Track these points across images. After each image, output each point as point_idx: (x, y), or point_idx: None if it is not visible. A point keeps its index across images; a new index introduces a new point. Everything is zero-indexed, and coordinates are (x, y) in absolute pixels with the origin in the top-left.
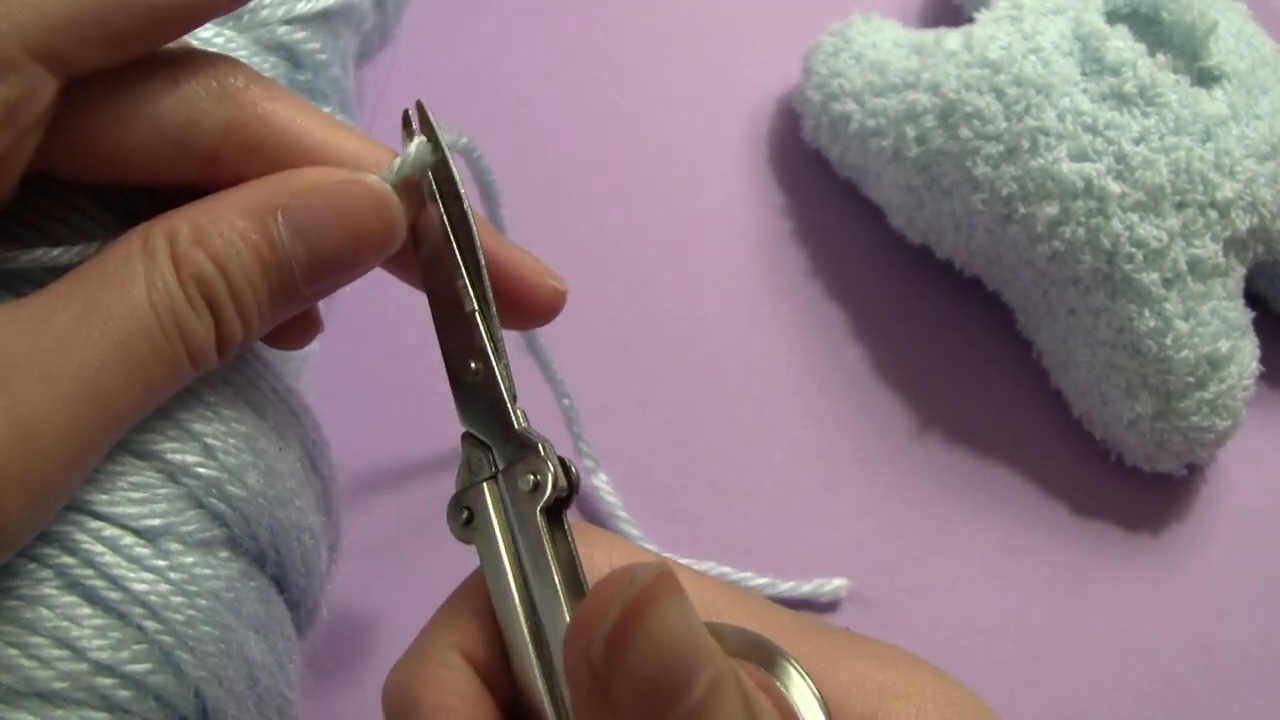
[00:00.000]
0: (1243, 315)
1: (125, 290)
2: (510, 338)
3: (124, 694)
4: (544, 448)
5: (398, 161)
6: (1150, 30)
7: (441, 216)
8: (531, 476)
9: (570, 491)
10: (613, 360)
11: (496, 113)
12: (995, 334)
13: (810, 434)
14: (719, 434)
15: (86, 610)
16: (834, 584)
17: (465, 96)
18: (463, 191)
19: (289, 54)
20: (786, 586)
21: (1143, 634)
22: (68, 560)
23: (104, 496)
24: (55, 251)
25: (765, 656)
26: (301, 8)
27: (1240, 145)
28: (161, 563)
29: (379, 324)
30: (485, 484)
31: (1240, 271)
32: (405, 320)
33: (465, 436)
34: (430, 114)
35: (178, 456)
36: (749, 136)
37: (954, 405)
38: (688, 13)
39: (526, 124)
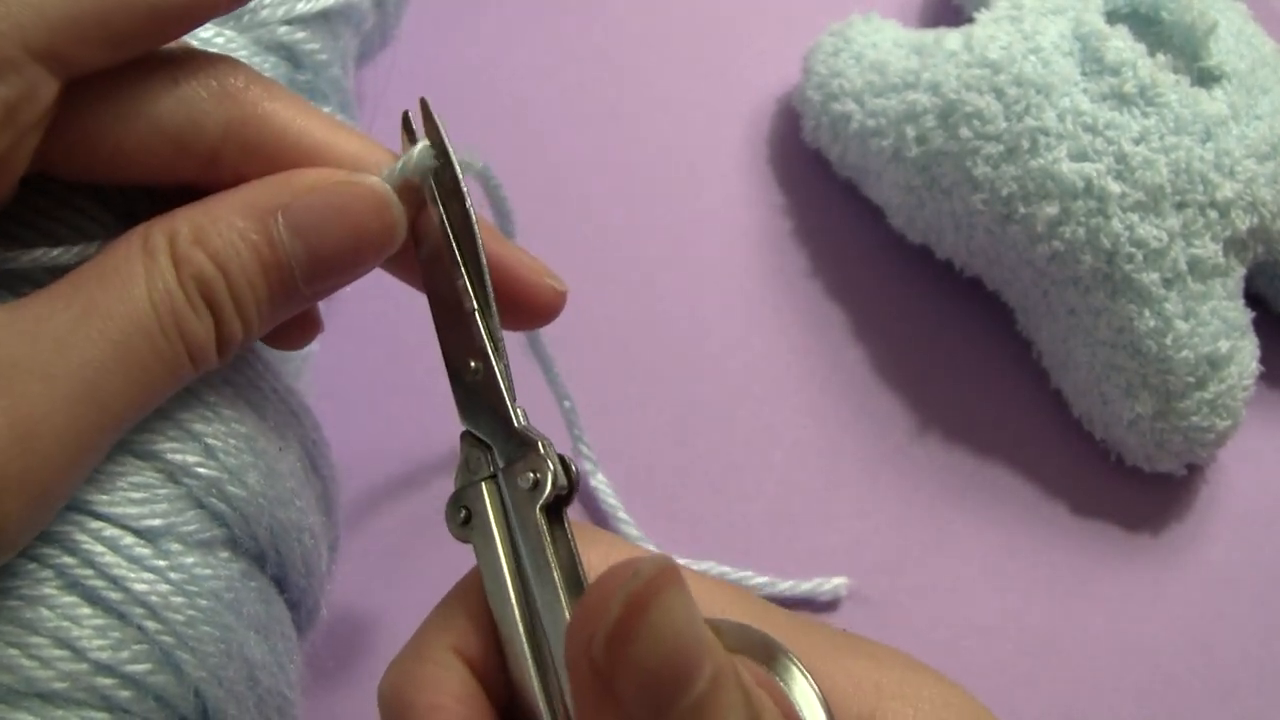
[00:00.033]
0: (1243, 315)
1: (125, 290)
2: (514, 340)
3: (124, 694)
4: (544, 446)
5: (399, 163)
6: (1150, 30)
7: (441, 217)
8: (531, 474)
9: (570, 489)
10: (613, 360)
11: (496, 113)
12: (995, 334)
13: (810, 434)
14: (719, 434)
15: (87, 610)
16: (834, 583)
17: (465, 96)
18: (465, 190)
19: (289, 54)
20: (786, 585)
21: (1143, 634)
22: (68, 560)
23: (104, 497)
24: (55, 252)
25: (766, 653)
26: (301, 8)
27: (1240, 145)
28: (162, 563)
29: (379, 324)
30: (484, 483)
31: (1240, 271)
32: (405, 320)
33: (464, 435)
34: (434, 112)
35: (178, 457)
36: (749, 136)
37: (954, 405)
38: (688, 13)
39: (526, 124)
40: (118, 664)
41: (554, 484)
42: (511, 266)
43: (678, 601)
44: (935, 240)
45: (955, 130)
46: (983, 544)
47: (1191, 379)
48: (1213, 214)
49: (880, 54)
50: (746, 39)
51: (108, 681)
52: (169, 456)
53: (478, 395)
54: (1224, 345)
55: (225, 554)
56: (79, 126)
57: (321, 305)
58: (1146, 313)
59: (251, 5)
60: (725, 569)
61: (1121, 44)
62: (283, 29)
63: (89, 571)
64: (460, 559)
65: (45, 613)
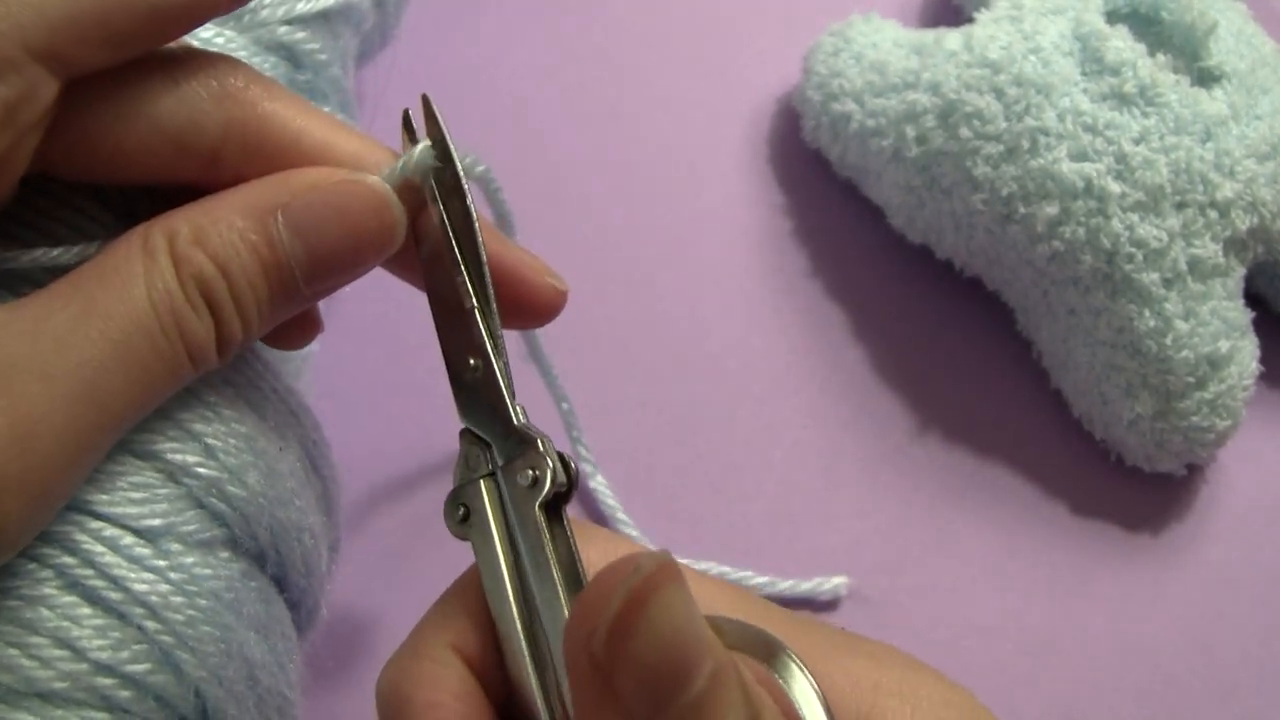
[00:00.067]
0: (1243, 315)
1: (125, 290)
2: (512, 345)
3: (124, 694)
4: (543, 443)
5: (400, 162)
6: (1150, 30)
7: (441, 214)
8: (531, 472)
9: (570, 487)
10: (613, 360)
11: (496, 113)
12: (995, 334)
13: (810, 434)
14: (719, 434)
15: (86, 610)
16: (834, 582)
17: (465, 96)
18: (466, 187)
19: (289, 54)
20: (786, 585)
21: (1143, 634)
22: (68, 560)
23: (104, 496)
24: (55, 252)
25: (766, 651)
26: (301, 8)
27: (1240, 145)
28: (162, 563)
29: (379, 324)
30: (482, 481)
31: (1240, 271)
32: (406, 320)
33: (463, 433)
34: (436, 108)
35: (178, 456)
36: (749, 136)
37: (954, 405)
38: (688, 13)
39: (526, 124)
40: (117, 664)
41: (553, 481)
42: (512, 266)
43: (677, 597)
44: (935, 240)
45: (955, 130)
46: (983, 544)
47: (1191, 379)
48: (1213, 214)
49: (880, 54)
50: (746, 39)
51: (107, 681)
52: (169, 456)
53: (477, 393)
54: (1224, 345)
55: (225, 554)
56: (79, 126)
57: (321, 305)
58: (1146, 313)
59: (251, 5)
60: (725, 569)
61: (1121, 44)
62: (283, 29)
63: (89, 571)
64: (460, 559)
65: (45, 612)
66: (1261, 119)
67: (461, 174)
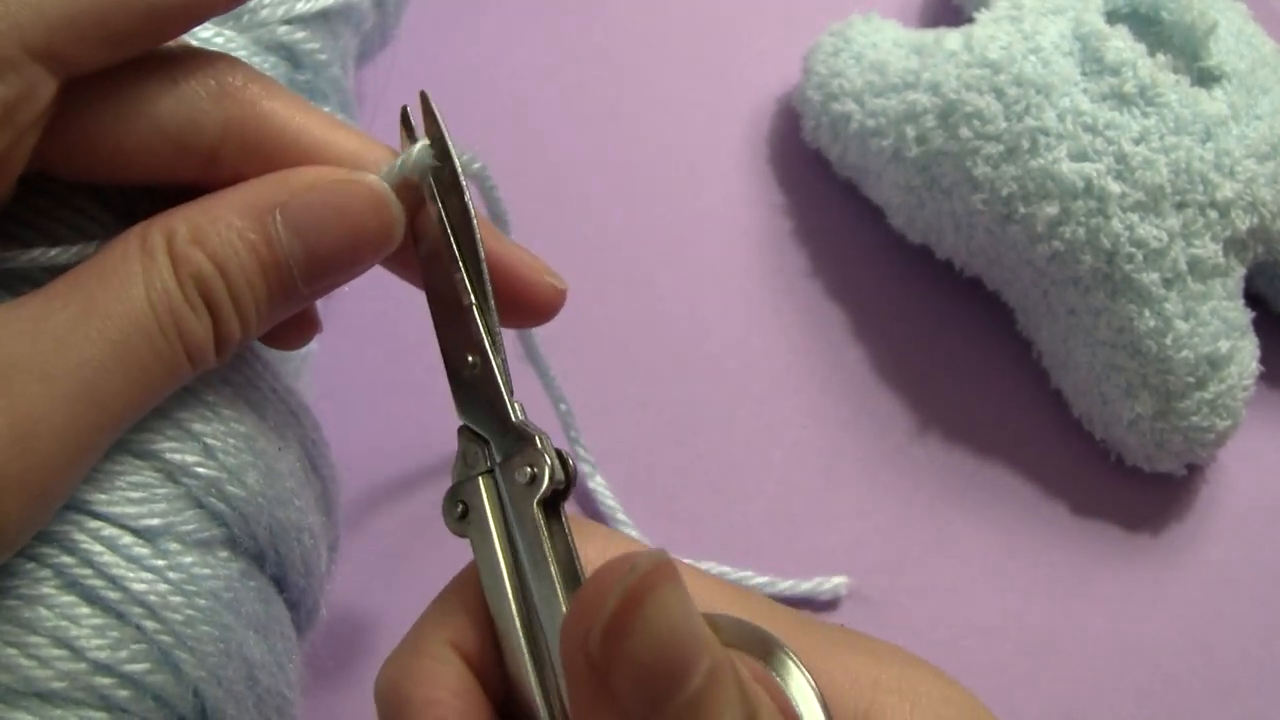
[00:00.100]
0: (1243, 315)
1: (123, 290)
2: (510, 347)
3: (122, 693)
4: (541, 440)
5: (398, 161)
6: (1150, 30)
7: (440, 212)
8: (529, 469)
9: (568, 484)
10: (613, 360)
11: (496, 113)
12: (995, 334)
13: (810, 434)
14: (719, 434)
15: (85, 610)
16: (834, 582)
17: (465, 96)
18: (464, 183)
19: (289, 54)
20: (786, 585)
21: (1143, 634)
22: (66, 560)
23: (103, 496)
24: (54, 251)
25: (763, 649)
26: (301, 7)
27: (1240, 145)
28: (160, 562)
29: (379, 323)
30: (481, 478)
31: (1240, 271)
32: (405, 319)
33: (462, 430)
34: (434, 106)
35: (177, 456)
36: (749, 136)
37: (954, 405)
38: (688, 13)
39: (526, 124)
40: (116, 663)
41: (551, 479)
42: (511, 264)
43: (674, 596)
44: (935, 240)
45: (955, 130)
46: (983, 544)
47: (1191, 379)
48: (1213, 214)
49: (880, 54)
50: (746, 39)
51: (106, 681)
52: (168, 456)
53: (475, 390)
54: (1224, 345)
55: (224, 553)
56: (78, 126)
57: (321, 304)
58: (1146, 313)
59: (251, 4)
60: (725, 569)
61: (1121, 44)
62: (282, 28)
63: (87, 571)
64: (459, 558)
65: (44, 612)
66: (1261, 119)
67: (460, 171)
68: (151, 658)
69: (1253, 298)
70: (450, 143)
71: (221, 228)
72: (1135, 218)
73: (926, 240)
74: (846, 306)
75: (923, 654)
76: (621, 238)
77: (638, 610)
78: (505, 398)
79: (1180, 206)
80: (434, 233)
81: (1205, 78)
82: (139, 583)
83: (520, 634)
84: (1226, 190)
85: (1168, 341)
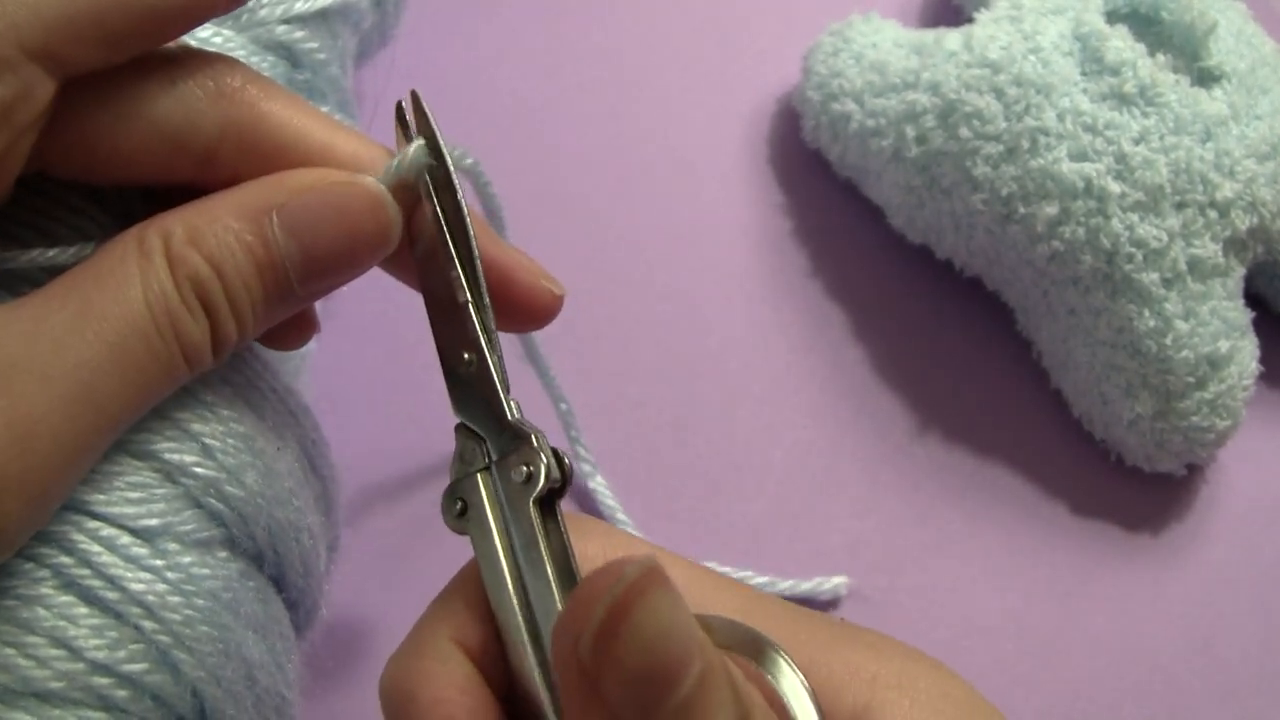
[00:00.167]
0: (1243, 315)
1: (120, 291)
2: (510, 346)
3: (121, 694)
4: (537, 439)
5: (395, 162)
6: (1150, 30)
7: (436, 211)
8: (525, 468)
9: (564, 483)
10: (612, 360)
11: (496, 113)
12: (995, 334)
13: (810, 434)
14: (719, 434)
15: (84, 610)
16: (834, 581)
17: (465, 96)
18: (456, 181)
19: (287, 53)
20: (786, 585)
21: (1143, 634)
22: (65, 560)
23: (101, 496)
24: (52, 252)
25: (755, 649)
26: (300, 7)
27: (1240, 145)
28: (159, 562)
29: (378, 324)
30: (479, 474)
31: (1240, 271)
32: (404, 319)
33: (459, 428)
34: (425, 104)
35: (175, 456)
36: (749, 136)
37: (954, 405)
38: (688, 13)
39: (526, 124)
40: (115, 663)
41: (547, 477)
42: (509, 268)
43: (663, 602)
44: (935, 240)
45: (955, 130)
46: (983, 544)
47: (1191, 379)
48: (1213, 214)
49: (880, 54)
50: (746, 39)
51: (104, 681)
52: (166, 456)
53: (471, 388)
54: (1224, 345)
55: (223, 554)
56: (76, 126)
57: (320, 305)
58: (1146, 313)
59: (250, 4)
60: (725, 569)
61: (1121, 44)
62: (281, 28)
63: (86, 571)
64: (459, 558)
65: (42, 612)
66: (1261, 119)
67: (452, 169)
68: (150, 658)
69: (1253, 298)
70: (442, 140)
71: (218, 229)
72: (1135, 218)
73: (926, 240)
74: (846, 306)
75: None
76: (621, 238)
77: (626, 617)
78: (501, 395)
79: (1180, 206)
80: (430, 231)
81: (1205, 78)
82: (137, 583)
83: (523, 628)
84: (1226, 190)
85: (1168, 341)
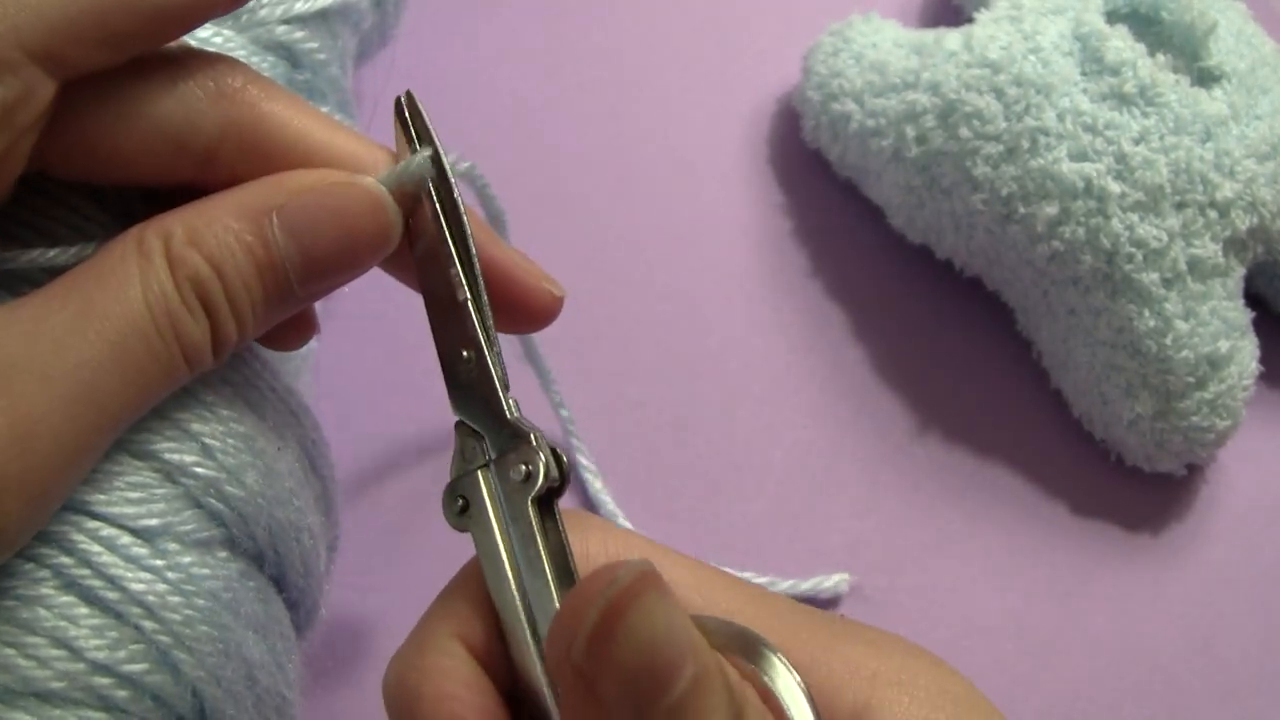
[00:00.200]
0: (1243, 315)
1: (121, 291)
2: (510, 346)
3: (121, 694)
4: (535, 438)
5: (399, 166)
6: (1150, 30)
7: (435, 209)
8: (523, 467)
9: (562, 482)
10: (612, 360)
11: (496, 113)
12: (995, 334)
13: (810, 434)
14: (719, 434)
15: (84, 610)
16: (834, 579)
17: (465, 96)
18: (453, 180)
19: (288, 53)
20: (786, 585)
21: (1143, 634)
22: (65, 560)
23: (101, 496)
24: (52, 252)
25: (750, 649)
26: (300, 7)
27: (1240, 145)
28: (159, 562)
29: (378, 324)
30: (479, 472)
31: (1240, 271)
32: (404, 320)
33: (458, 425)
34: (419, 103)
35: (175, 456)
36: (749, 136)
37: (954, 405)
38: (688, 13)
39: (526, 124)
40: (115, 663)
41: (546, 476)
42: (508, 270)
43: (657, 605)
44: (935, 240)
45: (955, 130)
46: (983, 544)
47: (1191, 379)
48: (1213, 214)
49: (880, 54)
50: (746, 39)
51: (105, 681)
52: (166, 456)
53: (470, 387)
54: (1224, 345)
55: (223, 554)
56: (77, 127)
57: (320, 305)
58: (1146, 313)
59: (250, 5)
60: (725, 569)
61: (1121, 44)
62: (281, 28)
63: (86, 571)
64: (460, 557)
65: (42, 612)
66: (1261, 119)
67: (448, 168)
68: (150, 658)
69: (1253, 298)
70: (438, 142)
71: (218, 230)
72: (1135, 218)
73: (926, 240)
74: (846, 306)
75: None
76: (621, 238)
77: (620, 619)
78: (500, 394)
79: (1180, 206)
80: (430, 231)
81: (1205, 78)
82: (137, 583)
83: (525, 624)
84: (1226, 190)
85: (1168, 341)
